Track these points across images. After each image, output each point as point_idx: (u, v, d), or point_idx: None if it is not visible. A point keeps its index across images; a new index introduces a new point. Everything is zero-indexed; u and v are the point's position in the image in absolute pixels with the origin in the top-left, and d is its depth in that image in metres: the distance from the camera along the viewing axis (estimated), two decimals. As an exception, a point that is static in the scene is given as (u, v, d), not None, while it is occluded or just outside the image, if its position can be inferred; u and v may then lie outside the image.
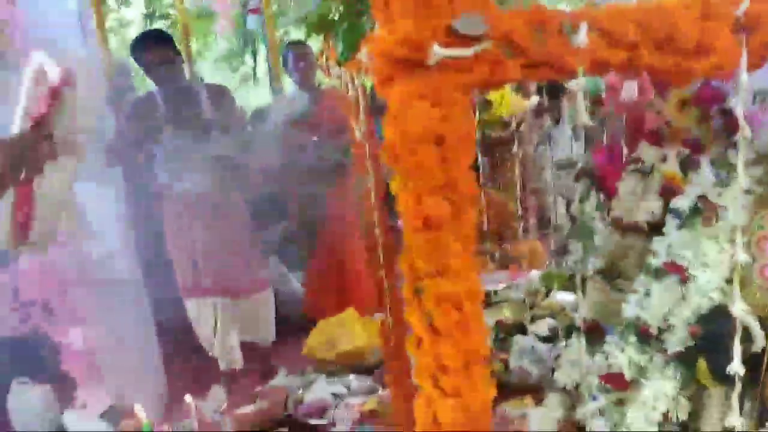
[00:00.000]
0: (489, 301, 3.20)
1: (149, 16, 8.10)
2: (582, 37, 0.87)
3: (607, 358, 1.36)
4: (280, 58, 3.77)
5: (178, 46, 2.95)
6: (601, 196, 1.42)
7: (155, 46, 2.68)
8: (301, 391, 2.69)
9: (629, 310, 1.35)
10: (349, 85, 1.39)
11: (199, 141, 2.74)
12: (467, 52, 0.78)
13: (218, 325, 2.96)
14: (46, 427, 2.70)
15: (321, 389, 2.66)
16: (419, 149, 0.78)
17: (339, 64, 2.94)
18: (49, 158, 1.59)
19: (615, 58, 0.89)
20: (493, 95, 4.75)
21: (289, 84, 3.76)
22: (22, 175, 1.58)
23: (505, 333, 2.84)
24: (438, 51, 0.77)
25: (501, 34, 0.81)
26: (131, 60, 2.99)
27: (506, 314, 3.08)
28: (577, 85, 0.91)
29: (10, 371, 2.77)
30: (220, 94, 2.90)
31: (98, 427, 2.65)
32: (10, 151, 1.56)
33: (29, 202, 1.65)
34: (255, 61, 9.54)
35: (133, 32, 9.25)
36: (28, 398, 2.70)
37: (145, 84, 3.64)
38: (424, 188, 0.79)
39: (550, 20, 0.88)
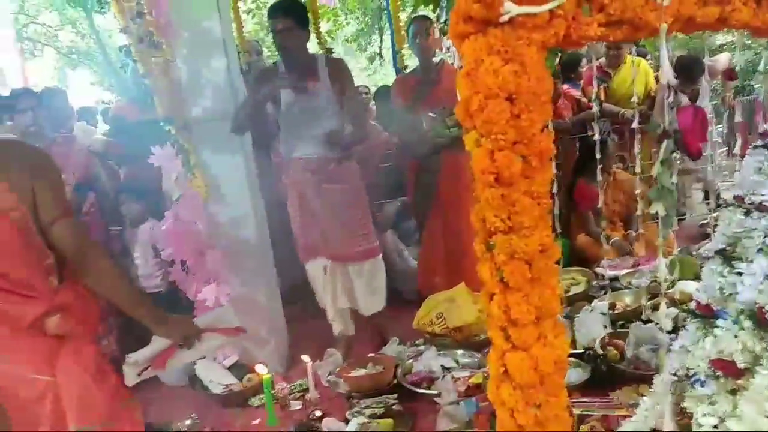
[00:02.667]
0: (612, 286, 3.11)
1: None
2: (667, -9, 0.83)
3: (719, 344, 1.29)
4: (405, 36, 3.83)
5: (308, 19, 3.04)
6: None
7: (281, 16, 2.81)
8: (410, 361, 2.77)
9: (746, 293, 1.27)
10: (455, 56, 1.41)
11: (314, 111, 2.86)
12: (541, 9, 0.78)
13: (329, 287, 3.06)
14: (180, 374, 2.99)
15: (430, 360, 2.71)
16: (490, 104, 0.80)
17: (443, 33, 2.93)
18: None
19: (703, 15, 0.84)
20: (623, 70, 4.52)
21: (414, 61, 3.81)
22: None
23: (624, 320, 2.74)
24: (510, 8, 0.78)
25: (579, -9, 0.80)
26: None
27: (626, 301, 2.97)
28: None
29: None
30: (337, 66, 3.00)
31: (226, 378, 2.89)
32: None
33: None
34: (381, 40, 9.71)
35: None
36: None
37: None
38: (496, 144, 0.81)
39: (632, -26, 0.85)
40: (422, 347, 2.92)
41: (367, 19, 10.44)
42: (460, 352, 2.78)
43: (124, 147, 3.74)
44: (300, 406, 2.68)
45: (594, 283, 3.27)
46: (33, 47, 11.63)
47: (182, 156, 2.90)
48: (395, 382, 2.63)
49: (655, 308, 2.51)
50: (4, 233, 1.54)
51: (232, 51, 3.05)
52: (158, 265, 3.27)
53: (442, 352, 2.79)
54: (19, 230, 1.56)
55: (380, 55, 10.87)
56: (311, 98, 2.86)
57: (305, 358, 2.70)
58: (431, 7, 2.71)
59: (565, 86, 4.47)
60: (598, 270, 3.35)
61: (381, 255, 3.13)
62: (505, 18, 0.79)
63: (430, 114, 3.31)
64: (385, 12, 5.37)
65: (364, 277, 3.05)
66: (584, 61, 4.34)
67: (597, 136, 2.64)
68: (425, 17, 3.47)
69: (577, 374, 2.33)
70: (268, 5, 3.31)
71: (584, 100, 4.44)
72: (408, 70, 4.05)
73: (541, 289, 0.85)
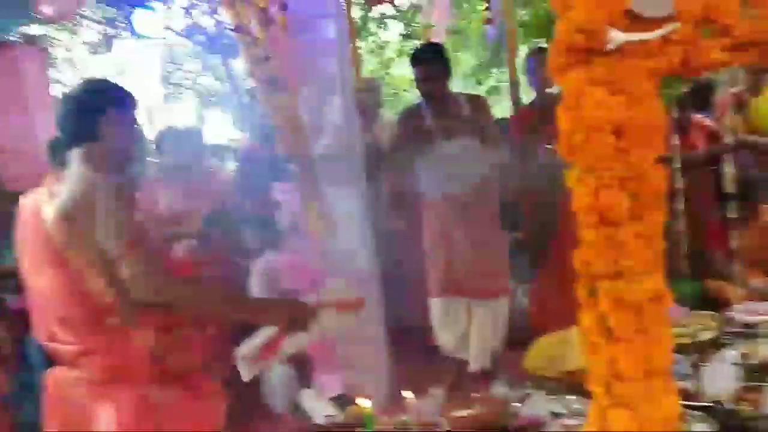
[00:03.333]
0: (746, 333, 2.82)
1: (406, 36, 8.77)
2: (806, 9, 0.74)
3: None
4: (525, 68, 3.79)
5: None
6: None
7: (425, 64, 2.92)
8: (518, 404, 2.64)
9: None
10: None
11: (462, 148, 2.89)
12: (652, 35, 0.72)
13: (463, 324, 3.03)
14: (284, 402, 3.06)
15: (538, 405, 2.58)
16: (594, 138, 0.74)
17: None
18: None
19: None
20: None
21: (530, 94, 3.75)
22: None
23: (760, 372, 2.47)
24: (617, 36, 0.73)
25: (697, 13, 0.73)
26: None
27: (763, 352, 2.67)
28: None
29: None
30: (478, 102, 3.05)
31: (327, 409, 2.91)
32: None
33: None
34: (500, 75, 9.68)
35: (389, 52, 10.14)
36: (273, 375, 3.09)
37: (396, 100, 3.95)
38: (601, 181, 0.75)
39: (763, -8, 0.77)
40: (530, 390, 2.78)
41: (485, 52, 10.47)
42: (571, 397, 2.62)
43: (249, 183, 3.96)
44: (401, 444, 2.62)
45: (726, 329, 2.97)
46: (176, 91, 12.77)
47: (301, 191, 3.04)
48: (500, 425, 2.52)
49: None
50: None
51: (349, 90, 3.16)
52: (274, 295, 3.37)
53: (552, 396, 2.64)
54: None
55: (497, 89, 10.84)
56: (458, 136, 2.91)
57: (407, 394, 2.66)
58: (545, 39, 2.69)
59: (698, 115, 4.16)
60: (732, 315, 3.04)
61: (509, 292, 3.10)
62: (611, 47, 0.74)
63: (547, 147, 3.23)
64: (502, 46, 5.35)
65: (495, 314, 3.02)
66: (719, 87, 4.03)
67: (730, 170, 2.43)
68: (542, 49, 3.43)
69: (702, 429, 2.12)
70: (411, 52, 3.43)
71: (719, 130, 4.10)
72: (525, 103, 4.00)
73: (651, 341, 0.76)
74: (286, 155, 2.99)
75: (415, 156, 3.03)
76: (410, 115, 3.15)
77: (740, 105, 4.02)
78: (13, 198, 3.11)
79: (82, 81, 1.85)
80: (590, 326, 0.82)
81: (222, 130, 12.78)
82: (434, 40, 4.57)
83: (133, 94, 1.80)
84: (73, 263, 1.63)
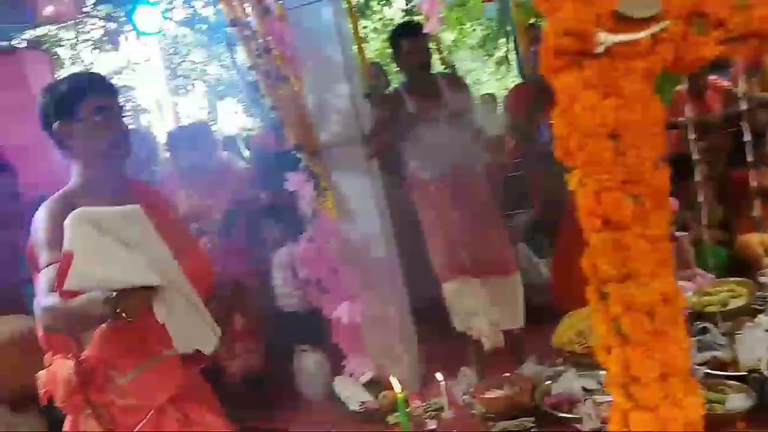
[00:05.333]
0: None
1: (408, 12, 8.62)
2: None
3: None
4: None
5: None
6: None
7: (411, 34, 2.85)
8: (549, 382, 2.63)
9: None
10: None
11: (441, 129, 2.85)
12: (640, 35, 0.69)
13: (472, 304, 3.02)
14: (318, 389, 3.10)
15: (570, 382, 2.55)
16: (590, 143, 0.72)
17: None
18: None
19: None
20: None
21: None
22: None
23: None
24: (605, 38, 0.70)
25: (687, 8, 0.70)
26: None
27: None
28: None
29: (295, 339, 3.25)
30: (458, 83, 2.99)
31: (362, 395, 2.95)
32: None
33: None
34: (507, 44, 9.49)
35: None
36: (306, 363, 3.14)
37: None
38: (602, 184, 0.73)
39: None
40: (561, 368, 2.76)
41: (492, 24, 10.25)
42: (603, 373, 2.59)
43: (263, 173, 3.97)
44: (435, 426, 2.65)
45: (758, 294, 2.90)
46: (185, 83, 12.77)
47: (313, 180, 3.03)
48: (533, 404, 2.51)
49: None
50: None
51: (355, 76, 3.12)
52: (296, 285, 3.41)
53: (583, 373, 2.61)
54: None
55: (507, 60, 10.64)
56: (438, 120, 2.86)
57: (439, 376, 2.67)
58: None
59: (713, 76, 4.04)
60: (762, 279, 2.97)
61: (518, 270, 3.06)
62: (600, 49, 0.71)
63: (549, 123, 3.16)
64: (507, 18, 5.23)
65: (506, 292, 3.00)
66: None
67: (747, 137, 2.36)
68: (534, 26, 3.34)
69: (740, 400, 2.09)
70: (393, 29, 3.36)
71: (735, 90, 3.98)
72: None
73: (666, 343, 0.75)
74: (295, 146, 2.98)
75: (396, 141, 2.98)
76: (388, 100, 3.08)
77: (756, 65, 3.89)
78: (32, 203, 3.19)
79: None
80: (603, 330, 0.80)
81: (234, 119, 12.79)
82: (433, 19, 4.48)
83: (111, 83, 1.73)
84: None
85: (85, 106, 1.60)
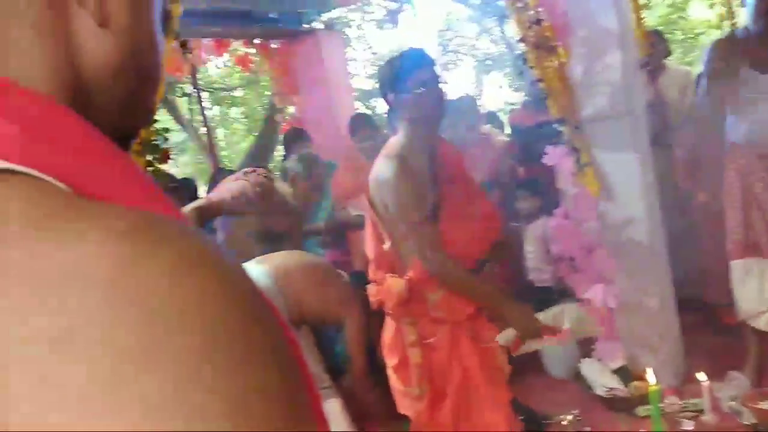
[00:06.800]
0: None
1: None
2: None
3: None
4: None
5: None
6: None
7: None
8: None
9: None
10: None
11: None
12: None
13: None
14: (565, 371, 3.04)
15: None
16: None
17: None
18: None
19: None
20: None
21: None
22: None
23: None
24: None
25: None
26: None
27: None
28: None
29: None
30: None
31: (611, 381, 2.81)
32: None
33: None
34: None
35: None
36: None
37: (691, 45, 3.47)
38: None
39: None
40: None
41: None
42: None
43: (523, 147, 3.96)
44: (692, 427, 2.44)
45: None
46: (455, 59, 13.17)
47: (574, 155, 2.94)
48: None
49: None
50: None
51: (630, 45, 2.92)
52: (548, 260, 3.36)
53: None
54: None
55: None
56: None
57: (701, 376, 2.44)
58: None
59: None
60: None
61: None
62: None
63: None
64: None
65: None
66: None
67: None
68: None
69: None
70: None
71: None
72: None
73: None
74: (558, 119, 2.90)
75: (727, 97, 2.60)
76: (729, 43, 2.66)
77: None
78: (328, 168, 3.65)
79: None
80: None
81: (498, 94, 12.86)
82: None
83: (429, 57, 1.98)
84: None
85: (411, 80, 1.90)
